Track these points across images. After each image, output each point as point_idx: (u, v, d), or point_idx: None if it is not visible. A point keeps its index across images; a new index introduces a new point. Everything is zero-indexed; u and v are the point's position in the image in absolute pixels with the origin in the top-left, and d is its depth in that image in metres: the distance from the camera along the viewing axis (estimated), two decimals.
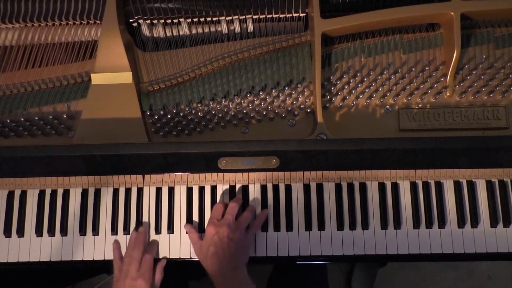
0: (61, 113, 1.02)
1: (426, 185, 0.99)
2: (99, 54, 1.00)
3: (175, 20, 1.02)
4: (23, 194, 1.00)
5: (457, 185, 0.99)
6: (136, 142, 0.97)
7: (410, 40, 1.02)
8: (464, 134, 0.99)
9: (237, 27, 1.04)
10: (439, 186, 0.99)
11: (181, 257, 0.98)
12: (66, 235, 0.99)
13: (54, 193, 1.00)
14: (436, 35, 1.02)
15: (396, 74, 1.02)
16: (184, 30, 1.04)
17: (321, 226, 0.98)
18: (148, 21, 1.02)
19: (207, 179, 1.00)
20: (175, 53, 1.04)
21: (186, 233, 0.98)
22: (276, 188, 1.00)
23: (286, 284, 1.18)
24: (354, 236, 0.98)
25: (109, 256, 0.98)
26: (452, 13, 0.96)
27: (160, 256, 0.98)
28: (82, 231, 0.98)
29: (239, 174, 0.99)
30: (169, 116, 1.01)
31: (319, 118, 0.97)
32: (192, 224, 0.98)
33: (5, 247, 0.98)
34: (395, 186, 0.99)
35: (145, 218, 0.99)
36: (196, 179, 1.00)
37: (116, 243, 0.97)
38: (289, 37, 1.03)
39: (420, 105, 1.01)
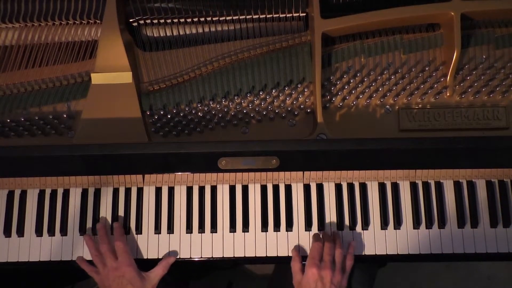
0: (61, 113, 1.02)
1: (426, 185, 0.99)
2: (99, 54, 1.00)
3: (175, 20, 1.02)
4: (23, 194, 1.00)
5: (457, 185, 0.99)
6: (136, 142, 0.97)
7: (410, 40, 1.02)
8: (464, 134, 0.99)
9: (237, 27, 1.04)
10: (439, 186, 0.99)
11: (181, 257, 0.98)
12: (66, 235, 0.99)
13: (54, 193, 1.00)
14: (436, 35, 1.02)
15: (396, 74, 1.02)
16: (184, 30, 1.04)
17: (321, 226, 0.98)
18: (148, 21, 1.02)
19: (207, 179, 1.00)
20: (175, 53, 1.04)
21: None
22: (276, 188, 1.00)
23: (286, 284, 1.18)
24: (354, 236, 0.98)
25: None
26: (452, 13, 0.96)
27: (161, 257, 0.98)
28: (82, 231, 0.98)
29: (239, 174, 0.99)
30: (169, 116, 1.01)
31: (319, 118, 0.97)
32: (298, 252, 0.96)
33: (5, 247, 0.98)
34: (395, 186, 0.99)
35: (145, 218, 0.99)
36: (196, 179, 1.00)
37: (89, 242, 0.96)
38: (289, 37, 1.03)
39: (420, 105, 1.01)
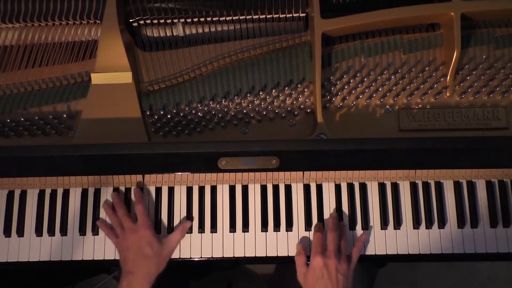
0: (61, 113, 1.02)
1: (426, 185, 0.99)
2: (99, 54, 1.00)
3: (175, 20, 1.02)
4: (23, 194, 1.00)
5: (457, 186, 0.99)
6: (136, 142, 0.97)
7: (410, 40, 1.02)
8: (464, 134, 0.99)
9: (237, 27, 1.04)
10: (439, 186, 0.99)
11: (181, 257, 0.98)
12: (66, 235, 0.99)
13: (54, 193, 1.00)
14: (436, 35, 1.02)
15: (396, 74, 1.02)
16: (184, 30, 1.04)
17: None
18: (148, 21, 1.02)
19: (207, 179, 1.00)
20: (175, 53, 1.04)
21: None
22: (276, 188, 1.00)
23: (287, 284, 1.18)
24: (354, 236, 0.98)
25: (109, 255, 0.98)
26: (452, 13, 0.96)
27: None
28: (82, 231, 0.98)
29: (239, 174, 0.99)
30: (169, 116, 1.01)
31: (319, 118, 0.97)
32: (303, 246, 0.95)
33: (5, 247, 0.98)
34: (395, 186, 0.99)
35: None
36: (196, 179, 1.00)
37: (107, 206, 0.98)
38: (289, 37, 1.03)
39: (420, 105, 1.01)
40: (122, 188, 1.00)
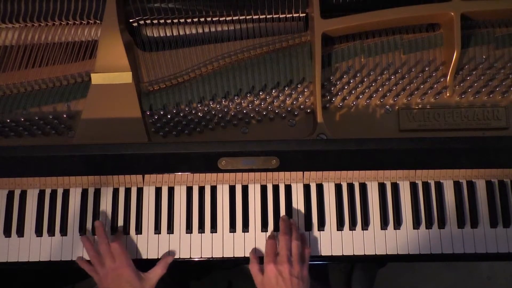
0: (61, 113, 1.02)
1: (426, 185, 0.99)
2: (99, 54, 1.00)
3: (175, 20, 1.02)
4: (23, 194, 1.00)
5: (457, 186, 0.99)
6: (136, 142, 0.97)
7: (410, 40, 1.02)
8: (464, 134, 0.99)
9: (237, 27, 1.04)
10: (439, 186, 0.99)
11: (181, 257, 0.98)
12: (66, 235, 0.99)
13: (54, 193, 1.00)
14: (436, 35, 1.02)
15: (396, 75, 1.02)
16: (184, 30, 1.04)
17: (321, 226, 0.98)
18: (148, 21, 1.02)
19: (207, 179, 1.00)
20: (175, 53, 1.04)
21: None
22: (276, 188, 1.00)
23: None
24: (354, 236, 0.98)
25: None
26: (452, 13, 0.96)
27: (160, 257, 0.98)
28: (82, 231, 0.98)
29: (239, 174, 0.99)
30: (169, 116, 1.01)
31: (319, 118, 0.97)
32: (255, 255, 0.95)
33: (5, 247, 0.98)
34: (395, 186, 0.99)
35: (144, 218, 0.99)
36: (196, 179, 1.00)
37: (87, 242, 0.96)
38: (289, 37, 1.03)
39: (420, 106, 1.01)
40: (122, 188, 1.00)
